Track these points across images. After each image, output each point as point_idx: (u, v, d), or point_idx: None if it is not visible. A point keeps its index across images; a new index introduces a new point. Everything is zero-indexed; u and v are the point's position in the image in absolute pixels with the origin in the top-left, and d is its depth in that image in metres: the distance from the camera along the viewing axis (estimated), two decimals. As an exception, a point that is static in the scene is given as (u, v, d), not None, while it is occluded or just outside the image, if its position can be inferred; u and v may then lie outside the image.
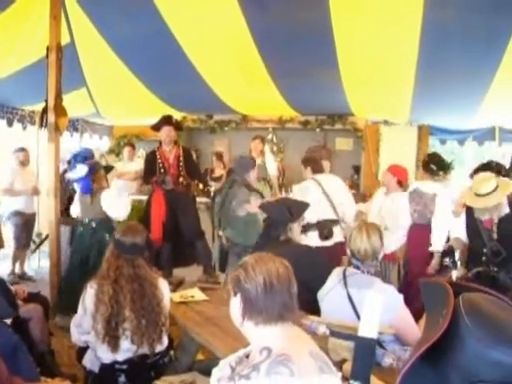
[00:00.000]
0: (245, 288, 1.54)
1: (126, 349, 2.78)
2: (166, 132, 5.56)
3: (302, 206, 3.71)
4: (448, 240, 4.36)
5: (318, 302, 2.77)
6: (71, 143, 8.16)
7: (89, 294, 2.81)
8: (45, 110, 4.69)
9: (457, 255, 4.36)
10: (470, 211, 3.87)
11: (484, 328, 0.93)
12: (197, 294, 3.45)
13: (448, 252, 4.26)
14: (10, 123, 6.71)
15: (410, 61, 4.87)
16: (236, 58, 5.45)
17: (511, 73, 4.79)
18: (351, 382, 1.71)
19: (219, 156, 7.96)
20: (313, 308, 2.69)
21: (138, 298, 2.78)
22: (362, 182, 8.19)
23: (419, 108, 6.60)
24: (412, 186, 4.72)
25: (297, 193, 4.77)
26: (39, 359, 3.19)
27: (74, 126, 8.25)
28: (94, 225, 4.72)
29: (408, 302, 2.58)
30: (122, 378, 2.82)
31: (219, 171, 7.61)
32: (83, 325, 2.86)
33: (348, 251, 2.76)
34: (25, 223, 6.31)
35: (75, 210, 4.89)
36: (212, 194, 6.26)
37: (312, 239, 4.58)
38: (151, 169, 5.62)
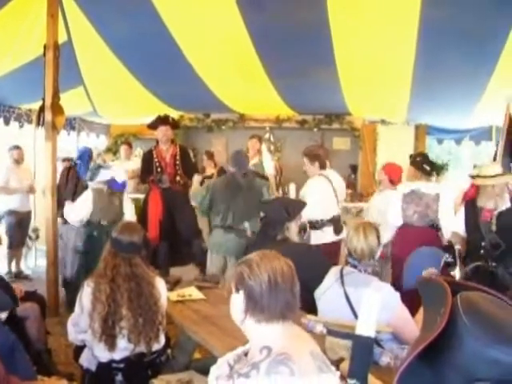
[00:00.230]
0: (249, 285, 1.52)
1: (123, 347, 2.78)
2: (163, 131, 5.56)
3: (299, 206, 3.71)
4: None
5: (315, 301, 2.78)
6: (68, 142, 8.15)
7: (86, 293, 2.80)
8: (42, 109, 4.69)
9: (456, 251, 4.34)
10: (469, 205, 3.89)
11: (482, 327, 0.93)
12: (194, 293, 3.45)
13: (448, 248, 4.19)
14: (6, 122, 6.69)
15: (407, 60, 4.88)
16: (233, 57, 5.45)
17: (508, 72, 4.81)
18: (349, 380, 1.71)
19: (210, 155, 8.01)
20: (310, 307, 2.69)
21: (135, 296, 2.77)
22: (359, 181, 8.21)
23: (416, 107, 6.62)
24: (407, 187, 4.53)
25: (313, 188, 4.76)
26: (36, 358, 3.19)
27: (71, 124, 8.22)
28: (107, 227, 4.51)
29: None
30: (119, 377, 2.82)
31: (210, 170, 7.66)
32: (80, 323, 2.85)
33: (345, 250, 2.77)
34: (19, 222, 6.30)
35: (82, 212, 4.66)
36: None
37: (328, 234, 4.69)
38: (148, 168, 5.62)
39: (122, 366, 2.82)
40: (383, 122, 7.94)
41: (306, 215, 4.21)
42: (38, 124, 4.84)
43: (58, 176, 5.36)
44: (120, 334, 2.75)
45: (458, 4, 3.97)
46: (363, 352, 1.74)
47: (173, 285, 3.90)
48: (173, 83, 6.15)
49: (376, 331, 1.79)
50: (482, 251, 3.67)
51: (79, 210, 4.66)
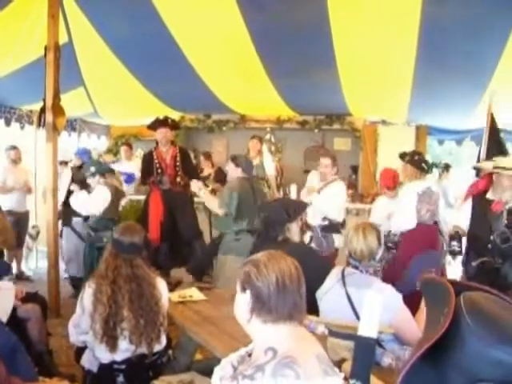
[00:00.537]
0: (256, 285, 1.50)
1: (125, 349, 2.77)
2: (162, 133, 5.57)
3: (300, 206, 3.71)
4: None
5: (316, 301, 2.77)
6: (69, 143, 8.14)
7: (87, 294, 2.80)
8: (43, 110, 4.69)
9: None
10: (477, 199, 3.89)
11: (485, 327, 0.93)
12: (195, 294, 3.45)
13: (455, 236, 4.20)
14: (7, 123, 6.71)
15: (408, 61, 4.88)
16: (234, 57, 5.45)
17: (509, 72, 4.80)
18: (351, 381, 1.71)
19: (207, 156, 8.00)
20: (311, 308, 2.69)
21: (136, 297, 2.77)
22: (360, 182, 8.20)
23: (417, 108, 6.62)
24: (419, 186, 4.42)
25: (343, 192, 5.14)
26: (37, 359, 3.20)
27: (72, 125, 8.24)
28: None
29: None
30: (121, 378, 2.81)
31: (207, 170, 7.65)
32: (81, 325, 2.85)
33: (346, 251, 2.76)
34: (16, 222, 6.28)
35: (99, 207, 5.03)
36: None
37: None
38: (148, 169, 5.62)
39: (123, 367, 2.81)
40: (384, 122, 7.93)
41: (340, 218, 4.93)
42: (38, 125, 4.85)
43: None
44: (121, 335, 2.75)
45: (459, 4, 3.97)
46: (365, 353, 1.74)
47: (174, 286, 3.91)
48: (173, 84, 6.15)
49: (378, 332, 1.79)
50: (489, 245, 3.66)
51: (95, 204, 5.02)
